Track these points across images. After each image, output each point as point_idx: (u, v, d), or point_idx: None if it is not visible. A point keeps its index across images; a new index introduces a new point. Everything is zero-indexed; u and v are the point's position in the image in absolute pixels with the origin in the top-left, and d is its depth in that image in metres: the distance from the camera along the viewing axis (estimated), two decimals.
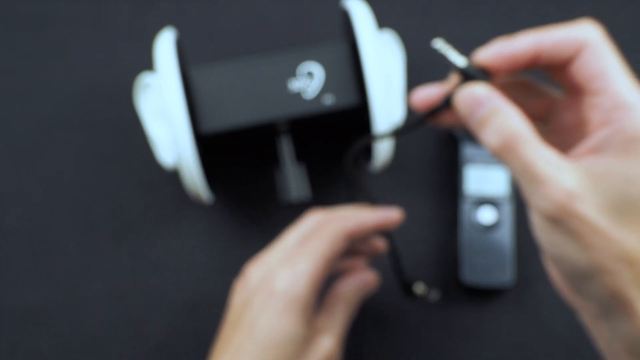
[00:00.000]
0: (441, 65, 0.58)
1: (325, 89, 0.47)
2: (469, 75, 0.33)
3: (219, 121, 0.46)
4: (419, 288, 0.45)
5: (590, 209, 0.30)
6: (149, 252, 0.55)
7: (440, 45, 0.34)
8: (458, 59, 0.33)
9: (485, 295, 0.53)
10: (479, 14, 0.60)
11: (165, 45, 0.46)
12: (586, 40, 0.32)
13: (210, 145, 0.50)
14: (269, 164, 0.48)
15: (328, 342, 0.40)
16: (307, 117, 0.47)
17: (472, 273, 0.51)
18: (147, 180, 0.56)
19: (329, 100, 0.47)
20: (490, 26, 0.59)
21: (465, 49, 0.58)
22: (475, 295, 0.53)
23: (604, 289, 0.30)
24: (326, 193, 0.56)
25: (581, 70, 0.32)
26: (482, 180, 0.53)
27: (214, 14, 0.60)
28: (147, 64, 0.58)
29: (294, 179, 0.47)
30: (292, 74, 0.47)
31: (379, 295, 0.53)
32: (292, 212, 0.55)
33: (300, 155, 0.48)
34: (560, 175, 0.30)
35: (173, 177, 0.56)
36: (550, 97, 0.37)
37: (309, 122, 0.47)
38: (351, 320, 0.45)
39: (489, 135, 0.32)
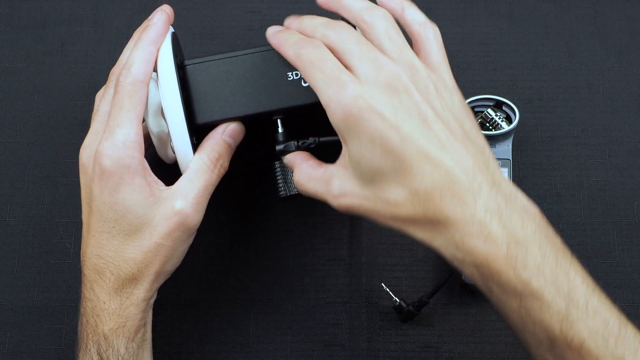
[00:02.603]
0: None
1: None
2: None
3: (216, 113, 0.47)
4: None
5: (358, 189, 0.39)
6: None
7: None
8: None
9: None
10: (479, 14, 0.60)
11: (162, 42, 0.46)
12: (291, 54, 0.42)
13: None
14: (266, 158, 0.49)
15: (180, 203, 0.43)
16: (305, 107, 0.47)
17: None
18: None
19: None
20: (490, 26, 0.59)
21: (465, 49, 0.59)
22: (476, 295, 0.53)
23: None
24: None
25: None
26: None
27: (214, 14, 0.60)
28: None
29: (291, 172, 0.47)
30: (290, 65, 0.47)
31: (379, 295, 0.53)
32: (290, 206, 0.55)
33: (298, 148, 0.48)
34: (333, 180, 0.41)
35: (173, 176, 0.56)
36: None
37: (306, 113, 0.47)
38: (217, 179, 0.46)
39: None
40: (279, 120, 0.47)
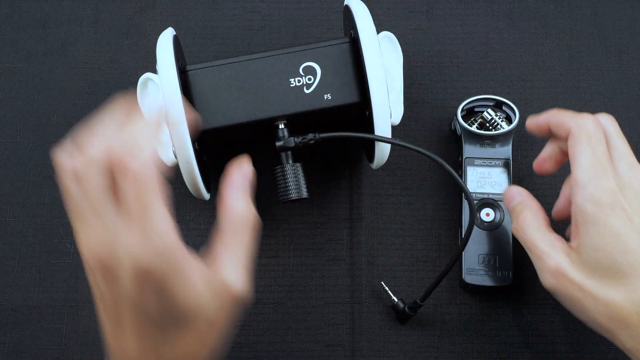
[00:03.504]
0: (439, 66, 0.58)
1: (325, 86, 0.47)
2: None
3: (218, 119, 0.46)
4: None
5: (578, 275, 0.40)
6: None
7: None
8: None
9: (485, 294, 0.53)
10: (479, 14, 0.60)
11: (164, 45, 0.46)
12: (571, 127, 0.42)
13: (211, 142, 0.50)
14: (267, 162, 0.49)
15: (237, 285, 0.37)
16: (307, 113, 0.47)
17: (473, 273, 0.51)
18: None
19: (329, 97, 0.47)
20: (490, 26, 0.59)
21: (466, 49, 0.59)
22: (475, 294, 0.53)
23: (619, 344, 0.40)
24: (323, 190, 0.56)
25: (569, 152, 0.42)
26: (483, 180, 0.53)
27: (214, 14, 0.60)
28: (147, 63, 0.58)
29: (292, 177, 0.47)
30: (293, 71, 0.47)
31: (379, 295, 0.53)
32: (290, 206, 0.55)
33: (298, 153, 0.48)
34: (554, 252, 0.41)
35: (173, 176, 0.56)
36: None
37: (309, 119, 0.47)
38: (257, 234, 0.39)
39: (514, 221, 0.45)
40: (281, 124, 0.47)
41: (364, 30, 0.45)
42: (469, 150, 0.53)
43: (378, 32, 0.47)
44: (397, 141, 0.46)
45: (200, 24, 0.59)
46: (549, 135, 0.46)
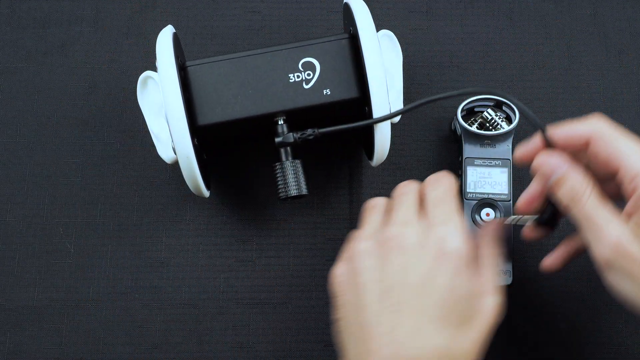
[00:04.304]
0: (439, 66, 0.58)
1: (325, 81, 0.47)
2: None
3: (217, 115, 0.46)
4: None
5: (638, 250, 0.37)
6: (149, 251, 0.55)
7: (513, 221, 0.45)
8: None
9: None
10: (479, 14, 0.60)
11: (163, 42, 0.46)
12: (592, 133, 0.40)
13: (210, 138, 0.50)
14: (267, 159, 0.49)
15: (492, 301, 0.39)
16: (306, 108, 0.47)
17: None
18: (147, 179, 0.56)
19: (328, 92, 0.47)
20: (490, 26, 0.59)
21: (466, 49, 0.59)
22: None
23: None
24: (323, 190, 0.56)
25: (596, 158, 0.40)
26: (483, 180, 0.53)
27: (214, 13, 0.60)
28: (147, 62, 0.58)
29: (291, 173, 0.47)
30: (292, 67, 0.47)
31: None
32: (290, 205, 0.55)
33: (298, 151, 0.48)
34: (613, 224, 0.38)
35: (173, 176, 0.56)
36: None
37: (308, 115, 0.47)
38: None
39: (561, 194, 0.40)
40: (280, 119, 0.47)
41: (363, 25, 0.46)
42: (468, 150, 0.53)
43: (378, 31, 0.47)
44: (403, 109, 0.46)
45: (200, 23, 0.59)
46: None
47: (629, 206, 0.38)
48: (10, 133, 0.57)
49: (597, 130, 0.40)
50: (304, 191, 0.47)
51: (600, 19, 0.59)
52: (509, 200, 0.52)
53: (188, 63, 0.47)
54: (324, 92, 0.47)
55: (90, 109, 0.57)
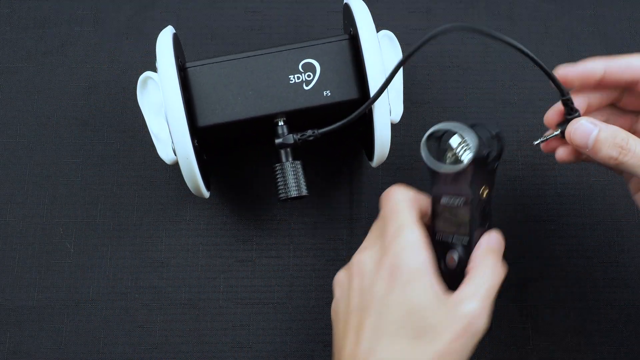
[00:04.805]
0: (439, 66, 0.58)
1: (325, 82, 0.47)
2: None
3: (217, 116, 0.46)
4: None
5: None
6: (149, 251, 0.55)
7: (541, 140, 0.44)
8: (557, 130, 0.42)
9: None
10: (479, 14, 0.60)
11: (163, 43, 0.46)
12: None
13: (210, 140, 0.50)
14: (267, 160, 0.49)
15: (470, 306, 0.38)
16: (307, 110, 0.47)
17: None
18: (147, 179, 0.56)
19: (328, 93, 0.47)
20: (490, 26, 0.59)
21: (466, 49, 0.59)
22: None
23: None
24: (323, 190, 0.56)
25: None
26: (449, 220, 0.47)
27: (214, 14, 0.60)
28: (147, 62, 0.58)
29: (291, 174, 0.47)
30: (292, 68, 0.47)
31: None
32: (290, 206, 0.55)
33: (299, 152, 0.48)
34: None
35: (173, 176, 0.56)
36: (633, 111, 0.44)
37: (308, 116, 0.47)
38: (501, 279, 0.41)
39: (606, 152, 0.40)
40: (280, 121, 0.47)
41: (363, 26, 0.46)
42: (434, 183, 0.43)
43: (378, 32, 0.47)
44: (401, 60, 0.44)
45: (200, 23, 0.59)
46: (596, 87, 0.43)
47: None
48: (10, 133, 0.57)
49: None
50: (304, 192, 0.47)
51: (600, 19, 0.59)
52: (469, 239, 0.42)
53: (188, 64, 0.47)
54: (324, 94, 0.47)
55: (90, 109, 0.57)
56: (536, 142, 0.44)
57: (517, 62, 0.58)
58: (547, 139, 0.44)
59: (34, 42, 0.59)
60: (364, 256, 0.41)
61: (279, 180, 0.47)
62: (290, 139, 0.46)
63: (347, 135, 0.56)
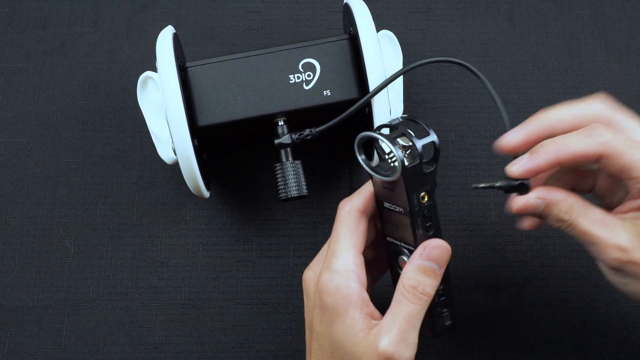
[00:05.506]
0: (439, 66, 0.58)
1: (325, 82, 0.47)
2: (511, 189, 0.40)
3: (217, 115, 0.47)
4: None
5: None
6: (149, 251, 0.55)
7: (482, 185, 0.41)
8: (501, 183, 0.40)
9: (485, 294, 0.53)
10: (479, 14, 0.60)
11: (163, 42, 0.46)
12: (605, 149, 0.38)
13: (210, 140, 0.50)
14: (267, 160, 0.49)
15: (385, 341, 0.38)
16: (307, 109, 0.47)
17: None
18: (147, 179, 0.56)
19: (328, 93, 0.47)
20: (490, 26, 0.59)
21: (466, 49, 0.59)
22: (475, 294, 0.53)
23: None
24: (323, 190, 0.56)
25: (609, 168, 0.38)
26: (395, 225, 0.47)
27: (214, 13, 0.60)
28: (147, 62, 0.58)
29: (291, 174, 0.47)
30: (292, 68, 0.47)
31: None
32: (290, 206, 0.55)
33: (299, 151, 0.48)
34: (611, 234, 0.38)
35: (173, 176, 0.56)
36: (594, 172, 0.43)
37: (308, 116, 0.47)
38: (426, 306, 0.40)
39: (553, 224, 0.40)
40: (280, 120, 0.47)
41: (363, 25, 0.46)
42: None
43: (378, 31, 0.47)
44: (396, 74, 0.43)
45: (200, 23, 0.59)
46: (553, 173, 0.42)
47: (636, 203, 0.39)
48: (10, 133, 0.57)
49: (606, 145, 0.38)
50: (304, 192, 0.47)
51: (600, 19, 0.59)
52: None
53: (188, 64, 0.47)
54: (324, 93, 0.47)
55: (90, 109, 0.57)
56: (475, 187, 0.41)
57: (517, 62, 0.58)
58: (486, 187, 0.41)
59: (34, 42, 0.59)
60: (308, 276, 0.43)
61: (279, 180, 0.47)
62: (288, 139, 0.46)
63: (347, 135, 0.56)
